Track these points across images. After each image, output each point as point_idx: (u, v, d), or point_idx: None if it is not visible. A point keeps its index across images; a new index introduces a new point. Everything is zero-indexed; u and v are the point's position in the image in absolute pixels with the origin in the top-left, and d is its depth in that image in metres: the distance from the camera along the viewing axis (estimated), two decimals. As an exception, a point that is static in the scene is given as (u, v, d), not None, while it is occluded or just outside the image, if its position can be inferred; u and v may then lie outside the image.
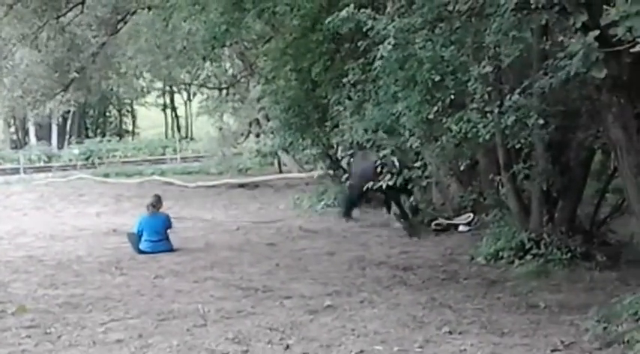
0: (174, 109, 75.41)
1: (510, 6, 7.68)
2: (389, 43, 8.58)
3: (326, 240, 14.95)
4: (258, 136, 35.96)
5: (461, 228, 15.24)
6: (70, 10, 20.17)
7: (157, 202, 14.55)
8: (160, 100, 75.22)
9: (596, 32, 6.93)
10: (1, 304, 9.57)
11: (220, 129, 38.61)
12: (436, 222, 15.64)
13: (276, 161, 35.20)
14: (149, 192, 18.55)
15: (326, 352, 6.99)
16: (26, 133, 58.40)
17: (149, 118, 78.86)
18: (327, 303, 9.05)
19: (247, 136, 37.07)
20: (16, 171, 42.79)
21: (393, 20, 8.78)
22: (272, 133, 19.90)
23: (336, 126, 12.80)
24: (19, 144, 57.30)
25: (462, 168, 14.22)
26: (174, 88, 63.15)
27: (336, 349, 7.05)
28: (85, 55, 22.30)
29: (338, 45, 11.97)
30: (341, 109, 11.65)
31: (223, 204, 23.33)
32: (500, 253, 11.78)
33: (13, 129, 60.00)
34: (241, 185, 29.63)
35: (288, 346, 7.18)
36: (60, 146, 54.59)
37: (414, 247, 13.90)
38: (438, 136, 9.77)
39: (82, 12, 20.54)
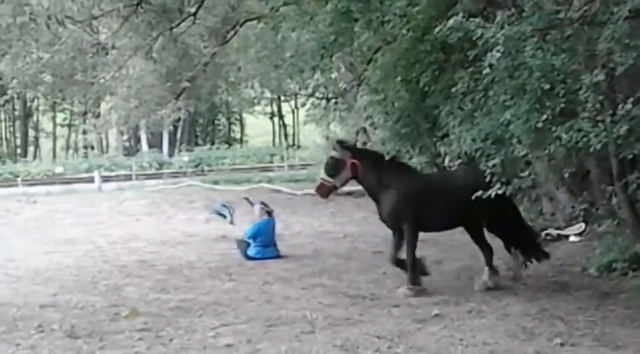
0: (281, 117, 76.10)
1: (624, 14, 7.55)
2: (498, 51, 8.52)
3: (433, 249, 14.85)
4: (364, 144, 36.01)
5: (572, 238, 14.96)
6: (183, 21, 20.56)
7: (268, 208, 14.77)
8: (268, 109, 76.04)
9: None
10: (115, 307, 9.83)
11: (327, 137, 38.79)
12: (546, 232, 15.40)
13: (383, 170, 35.09)
14: (257, 199, 18.69)
15: (434, 361, 6.99)
16: (138, 140, 59.80)
17: (257, 126, 79.75)
18: (435, 312, 9.02)
19: (354, 145, 37.11)
20: (128, 177, 43.91)
21: (502, 28, 8.71)
22: (382, 144, 19.84)
23: (446, 135, 12.72)
24: (132, 151, 58.71)
25: (566, 176, 13.97)
26: (283, 98, 63.65)
27: (444, 359, 7.04)
28: (196, 65, 22.68)
29: (447, 54, 11.91)
30: (451, 119, 11.57)
31: (330, 212, 23.44)
32: (614, 265, 11.53)
33: (125, 137, 61.50)
34: (348, 193, 29.68)
35: (396, 355, 7.19)
36: (171, 154, 55.73)
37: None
38: (547, 145, 9.63)
39: (194, 23, 20.92)
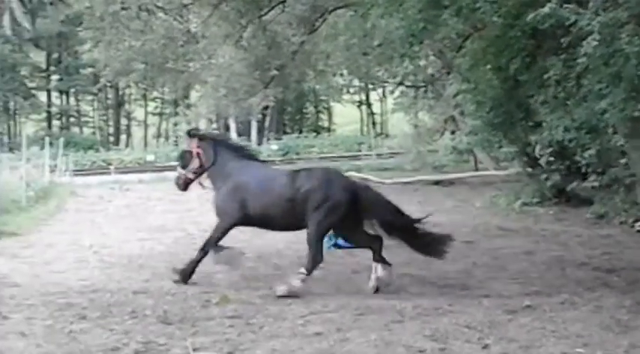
0: (369, 105, 76.01)
1: None
2: (593, 39, 8.33)
3: (524, 239, 14.69)
4: (453, 133, 35.73)
5: (672, 231, 14.62)
6: (272, 9, 20.64)
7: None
8: (356, 97, 76.05)
9: None
10: (206, 293, 9.93)
11: (415, 126, 38.61)
12: (640, 223, 15.09)
13: (471, 158, 34.86)
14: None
15: (526, 353, 6.87)
16: (227, 129, 60.42)
17: (345, 115, 79.83)
18: (526, 303, 8.89)
19: (443, 133, 36.90)
20: (218, 165, 44.28)
21: (597, 15, 8.51)
22: (473, 133, 19.62)
23: (538, 125, 12.54)
24: (221, 139, 59.34)
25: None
26: (371, 86, 63.57)
27: (536, 351, 6.91)
28: (284, 53, 22.76)
29: (539, 41, 11.71)
30: (543, 107, 11.38)
31: (419, 201, 23.28)
32: None
33: (215, 125, 62.25)
34: (437, 182, 29.55)
35: (486, 346, 7.09)
36: (259, 142, 56.21)
37: (617, 248, 13.44)
38: (645, 133, 9.42)
39: (282, 11, 20.98)
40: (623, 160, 13.58)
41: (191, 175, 11.52)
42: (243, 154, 11.59)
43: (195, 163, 11.44)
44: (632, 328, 7.69)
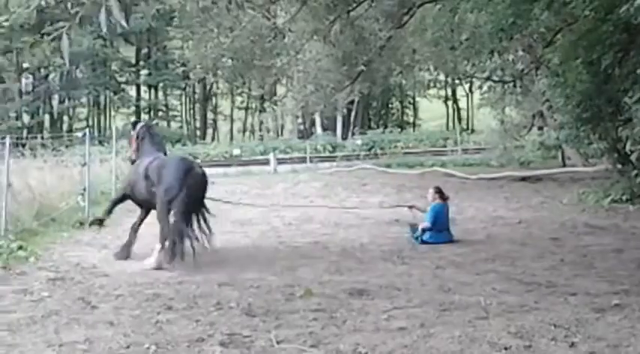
0: (455, 101, 75.56)
1: None
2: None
3: (613, 237, 14.39)
4: (541, 128, 35.27)
5: None
6: (360, 4, 20.64)
7: (441, 191, 14.70)
8: (442, 92, 75.68)
9: None
10: (290, 287, 9.99)
11: (502, 121, 38.22)
12: None
13: (559, 154, 34.34)
14: (430, 183, 18.67)
15: (614, 353, 6.74)
16: (313, 123, 60.77)
17: (430, 110, 79.58)
18: (615, 302, 8.71)
19: (530, 129, 36.45)
20: (302, 160, 44.70)
21: (694, 8, 8.29)
22: (562, 129, 19.35)
23: (629, 120, 12.31)
24: (306, 134, 59.74)
25: None
26: (457, 81, 63.17)
27: (625, 350, 6.78)
28: (371, 49, 22.73)
29: (632, 36, 11.48)
30: (635, 102, 11.17)
31: (505, 197, 23.06)
32: None
33: (300, 120, 62.62)
34: (523, 178, 29.16)
35: (573, 344, 6.98)
36: (344, 137, 56.37)
37: None
38: None
39: (370, 6, 20.96)
40: None
41: (133, 156, 13.64)
42: (154, 142, 13.51)
43: (133, 147, 13.69)
44: None
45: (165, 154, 13.61)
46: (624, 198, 19.24)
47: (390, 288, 9.88)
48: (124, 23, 5.91)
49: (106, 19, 5.45)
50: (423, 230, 14.02)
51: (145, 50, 71.48)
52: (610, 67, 11.56)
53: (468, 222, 16.78)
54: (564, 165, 32.93)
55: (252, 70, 25.17)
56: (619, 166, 20.84)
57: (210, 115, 76.46)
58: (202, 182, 12.35)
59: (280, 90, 52.39)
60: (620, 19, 10.13)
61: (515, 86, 33.17)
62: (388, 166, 38.56)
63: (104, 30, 5.83)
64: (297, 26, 21.88)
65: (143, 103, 72.18)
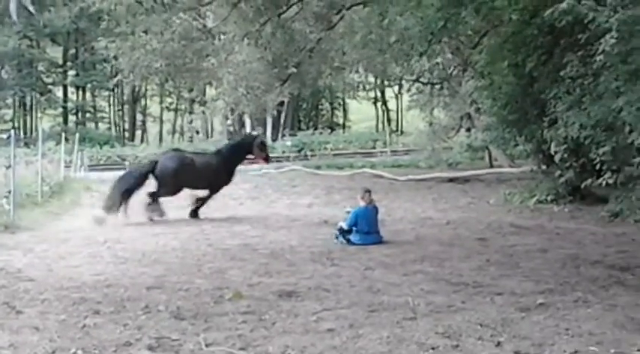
0: (385, 102, 76.03)
1: None
2: (611, 37, 8.28)
3: (538, 237, 14.63)
4: (468, 130, 35.72)
5: (683, 228, 14.52)
6: (290, 6, 20.67)
7: (370, 194, 14.73)
8: (372, 94, 76.08)
9: None
10: (219, 289, 9.92)
11: (431, 123, 38.62)
12: (655, 221, 14.99)
13: (486, 156, 34.82)
14: (359, 184, 18.80)
15: (538, 351, 6.82)
16: (242, 125, 60.51)
17: (360, 112, 79.94)
18: (540, 301, 8.84)
19: (458, 131, 36.90)
20: (232, 161, 44.38)
21: (615, 12, 8.46)
22: (488, 130, 19.62)
23: (554, 121, 12.52)
24: (236, 135, 59.45)
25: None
26: (386, 83, 63.62)
27: (549, 349, 6.87)
28: (302, 50, 22.77)
29: (556, 38, 11.69)
30: (559, 104, 11.36)
31: (433, 198, 23.29)
32: None
33: (230, 121, 62.31)
34: (451, 179, 29.51)
35: (499, 343, 7.06)
36: (274, 138, 56.27)
37: (632, 246, 13.35)
38: (662, 132, 9.35)
39: (301, 8, 21.01)
40: (638, 159, 13.50)
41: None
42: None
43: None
44: (646, 327, 7.65)
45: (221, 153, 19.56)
46: (549, 198, 19.58)
47: (319, 289, 9.88)
48: (32, 10, 5.79)
49: (17, 8, 5.35)
50: (342, 231, 14.09)
51: (72, 51, 70.52)
52: (535, 69, 11.75)
53: (397, 223, 16.90)
54: (491, 166, 33.41)
55: (183, 73, 25.05)
56: (544, 167, 21.20)
57: (139, 117, 75.74)
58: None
59: (210, 91, 52.09)
60: (544, 22, 10.31)
61: (443, 88, 33.53)
62: (318, 167, 38.68)
63: (14, 17, 5.71)
64: (228, 29, 21.82)
65: (70, 105, 71.16)
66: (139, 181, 18.61)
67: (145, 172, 18.93)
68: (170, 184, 18.57)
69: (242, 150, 19.59)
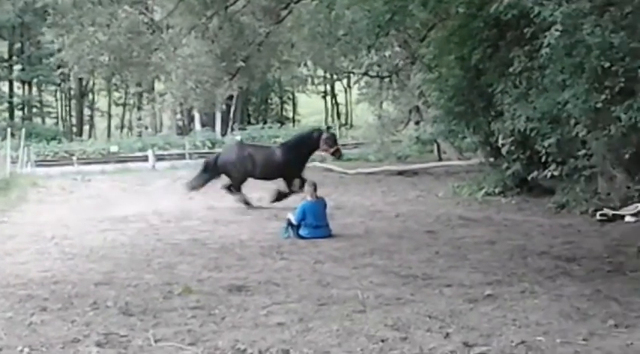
0: (334, 96, 76.10)
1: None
2: (556, 30, 8.37)
3: (486, 229, 14.76)
4: (417, 123, 35.90)
5: (627, 218, 14.73)
6: (237, 0, 20.59)
7: (316, 188, 14.73)
8: (321, 88, 76.11)
9: None
10: (168, 285, 9.87)
11: (380, 116, 38.73)
12: (601, 212, 15.18)
13: (435, 149, 35.03)
14: (308, 178, 18.74)
15: (486, 342, 6.88)
16: (192, 119, 60.23)
17: (309, 105, 79.93)
18: (488, 292, 8.93)
19: (407, 124, 37.06)
20: (181, 156, 44.28)
21: (560, 6, 8.55)
22: (436, 123, 19.78)
23: (501, 114, 12.63)
24: (185, 130, 59.20)
25: (626, 156, 13.73)
26: (335, 76, 63.69)
27: (497, 339, 6.94)
28: (250, 44, 22.69)
29: (502, 31, 11.79)
30: (505, 97, 11.46)
31: (382, 191, 23.36)
32: (670, 245, 11.34)
33: (179, 116, 62.00)
34: (400, 172, 29.62)
35: (447, 335, 7.11)
36: (223, 132, 56.07)
37: (578, 237, 13.53)
38: (606, 124, 9.46)
39: (248, 2, 20.93)
40: (583, 151, 13.69)
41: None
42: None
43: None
44: (590, 316, 7.75)
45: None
46: (496, 191, 19.75)
47: (269, 283, 9.87)
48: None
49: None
50: (290, 224, 14.12)
51: (18, 45, 69.48)
52: (481, 62, 11.84)
53: (347, 216, 16.93)
54: (440, 159, 33.60)
55: (130, 66, 24.82)
56: (491, 159, 21.38)
57: (86, 112, 74.85)
58: None
59: (159, 86, 51.72)
60: (490, 16, 10.38)
61: (391, 82, 33.66)
62: (268, 161, 38.51)
63: None
64: (175, 22, 21.67)
65: (16, 100, 70.12)
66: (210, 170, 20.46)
67: (213, 163, 20.51)
68: (230, 175, 19.94)
69: (307, 143, 19.67)
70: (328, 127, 19.01)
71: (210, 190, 24.97)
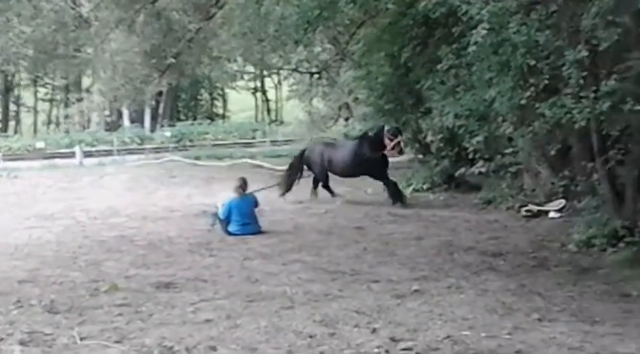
0: (264, 92, 76.00)
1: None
2: (483, 28, 8.47)
3: (414, 224, 14.88)
4: (347, 120, 36.05)
5: (552, 214, 14.98)
6: (164, -6, 20.47)
7: (244, 184, 14.66)
8: (251, 84, 75.91)
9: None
10: (95, 282, 9.75)
11: (310, 113, 38.80)
12: (526, 208, 15.42)
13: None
14: (239, 175, 18.66)
15: (413, 337, 6.93)
16: (120, 115, 59.52)
17: (240, 102, 79.63)
18: (415, 287, 9.00)
19: (336, 120, 37.19)
20: (109, 152, 43.81)
21: (487, 4, 8.65)
22: (364, 119, 19.91)
23: (429, 111, 12.73)
24: (113, 126, 58.45)
25: (551, 153, 13.96)
26: (265, 72, 63.60)
27: (423, 334, 6.99)
28: (180, 40, 22.56)
29: (431, 29, 11.88)
30: (434, 94, 11.56)
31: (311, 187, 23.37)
32: (593, 241, 11.56)
33: (107, 112, 61.20)
34: (330, 169, 29.66)
35: (375, 330, 7.14)
36: (152, 129, 55.61)
37: (504, 233, 13.74)
38: (531, 121, 9.60)
39: (178, -3, 20.83)
40: (509, 148, 13.89)
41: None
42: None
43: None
44: (515, 311, 7.88)
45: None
46: (425, 187, 19.94)
47: (197, 280, 9.82)
48: None
49: None
50: (217, 217, 14.12)
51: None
52: (410, 60, 11.91)
53: (276, 213, 16.90)
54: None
55: (55, 60, 24.47)
56: (420, 156, 21.57)
57: (12, 107, 73.48)
58: None
59: (87, 81, 51.09)
60: (419, 13, 10.45)
61: (320, 78, 33.74)
62: (197, 158, 38.33)
63: None
64: (102, 15, 21.43)
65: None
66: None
67: (298, 159, 20.50)
68: (314, 171, 19.99)
69: (376, 139, 18.46)
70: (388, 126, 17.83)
71: (139, 186, 24.81)
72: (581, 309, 8.03)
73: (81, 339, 7.03)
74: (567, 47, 8.43)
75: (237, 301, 8.47)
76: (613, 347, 6.51)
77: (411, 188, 20.21)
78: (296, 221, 15.72)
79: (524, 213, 15.30)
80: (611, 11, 7.75)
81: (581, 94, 8.33)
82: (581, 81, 8.39)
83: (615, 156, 11.38)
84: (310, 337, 6.94)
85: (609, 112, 8.18)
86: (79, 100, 44.02)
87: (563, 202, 15.11)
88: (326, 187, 19.80)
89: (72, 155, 40.92)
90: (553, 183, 15.53)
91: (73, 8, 22.13)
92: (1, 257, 11.85)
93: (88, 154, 41.64)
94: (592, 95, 8.23)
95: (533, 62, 8.47)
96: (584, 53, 8.23)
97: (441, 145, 18.37)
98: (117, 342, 6.94)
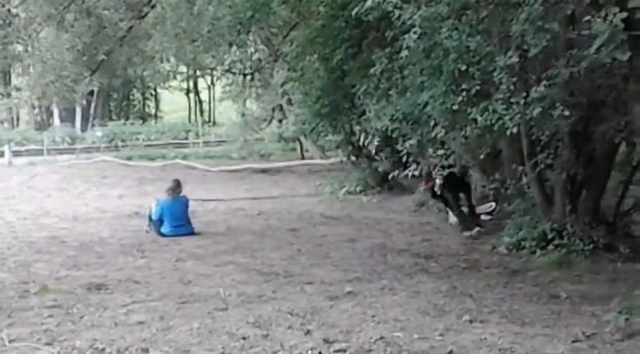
0: (197, 93, 75.61)
1: (540, -5, 7.64)
2: (415, 33, 8.54)
3: (347, 226, 14.98)
4: (280, 121, 36.06)
5: (482, 217, 15.18)
6: (95, -9, 20.25)
7: (177, 186, 14.60)
8: (184, 84, 75.45)
9: (624, 14, 6.89)
10: (25, 283, 9.62)
11: (243, 114, 38.72)
12: (457, 211, 15.59)
13: (298, 147, 35.28)
14: (171, 175, 18.62)
15: (346, 338, 6.96)
16: (50, 114, 58.70)
17: (172, 102, 79.12)
18: (348, 289, 9.05)
19: (270, 122, 37.19)
20: (39, 152, 43.15)
21: (419, 9, 8.73)
22: (302, 123, 19.96)
23: (363, 114, 12.77)
24: (43, 125, 57.61)
25: (481, 157, 14.15)
26: (198, 73, 63.27)
27: (356, 336, 7.03)
28: (112, 39, 22.33)
29: (364, 33, 11.93)
30: (368, 98, 11.61)
31: (245, 189, 23.38)
32: (522, 243, 11.75)
33: (37, 110, 60.28)
34: (263, 170, 29.71)
35: (308, 332, 7.16)
36: (83, 129, 54.98)
37: (436, 235, 13.91)
38: (462, 126, 9.69)
39: (109, -7, 20.62)
40: (441, 151, 14.02)
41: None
42: None
43: None
44: (447, 312, 7.96)
45: None
46: (358, 189, 20.06)
47: (129, 282, 9.75)
48: None
49: None
50: (150, 218, 14.06)
51: None
52: (344, 63, 11.97)
53: (209, 214, 16.88)
54: (303, 157, 33.84)
55: (-19, 55, 24.05)
56: (353, 158, 21.70)
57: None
58: None
59: (15, 79, 50.23)
60: (352, 17, 10.48)
61: (253, 79, 33.70)
62: (129, 158, 38.04)
63: None
64: (30, 10, 21.11)
65: None
66: None
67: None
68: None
69: None
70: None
71: (70, 186, 24.52)
72: (511, 310, 8.15)
73: (10, 341, 6.93)
74: (498, 53, 8.53)
75: (169, 303, 8.43)
76: (542, 348, 6.62)
77: (344, 190, 20.32)
78: (229, 222, 15.71)
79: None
80: (541, 17, 7.88)
81: (512, 99, 8.44)
82: (512, 86, 8.49)
83: (545, 160, 11.59)
84: (244, 338, 6.94)
85: (539, 117, 8.30)
86: (8, 95, 43.15)
87: (493, 204, 15.33)
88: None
89: (0, 155, 40.25)
90: (484, 186, 15.73)
91: (2, 5, 21.73)
92: None
93: (17, 154, 40.99)
94: (522, 101, 8.35)
95: (464, 67, 8.54)
96: (515, 59, 8.33)
97: (375, 148, 18.49)
98: (47, 344, 6.86)
